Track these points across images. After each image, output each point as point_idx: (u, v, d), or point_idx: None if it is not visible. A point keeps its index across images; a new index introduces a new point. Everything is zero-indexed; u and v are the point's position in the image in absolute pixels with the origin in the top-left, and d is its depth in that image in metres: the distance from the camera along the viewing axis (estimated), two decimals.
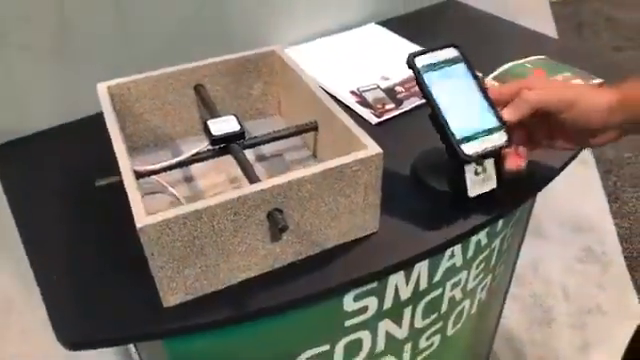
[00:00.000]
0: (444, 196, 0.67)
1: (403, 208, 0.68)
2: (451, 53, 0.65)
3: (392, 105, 0.85)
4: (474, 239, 0.81)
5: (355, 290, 0.68)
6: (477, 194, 0.64)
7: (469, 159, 0.60)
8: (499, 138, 0.61)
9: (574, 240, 1.89)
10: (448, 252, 0.78)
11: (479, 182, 0.63)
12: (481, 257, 0.88)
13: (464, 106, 0.63)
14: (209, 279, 0.56)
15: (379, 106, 0.85)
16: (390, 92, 0.88)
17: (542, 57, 0.93)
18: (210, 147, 0.65)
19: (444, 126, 0.61)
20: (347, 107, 0.86)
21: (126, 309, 0.56)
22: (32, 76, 0.79)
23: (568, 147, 0.65)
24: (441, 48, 0.65)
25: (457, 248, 0.79)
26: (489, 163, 0.63)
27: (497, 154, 0.63)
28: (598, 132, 0.61)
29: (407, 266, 0.68)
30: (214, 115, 0.70)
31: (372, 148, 0.58)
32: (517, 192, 0.70)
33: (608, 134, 0.61)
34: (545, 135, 0.64)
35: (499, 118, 0.62)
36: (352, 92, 0.88)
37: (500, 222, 0.87)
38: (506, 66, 0.90)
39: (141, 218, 0.50)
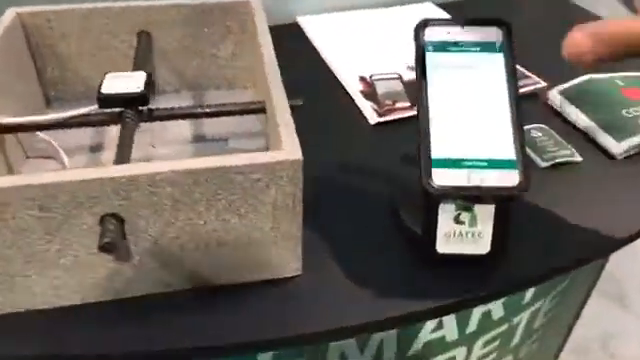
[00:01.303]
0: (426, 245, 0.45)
1: (362, 251, 0.46)
2: (490, 35, 0.42)
3: (406, 104, 0.62)
4: (477, 310, 0.57)
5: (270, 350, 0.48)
6: (451, 252, 0.41)
7: (433, 192, 0.38)
8: (508, 178, 0.38)
9: None
10: (431, 323, 0.55)
11: (459, 236, 0.40)
12: (493, 333, 0.63)
13: (471, 116, 0.40)
14: (17, 293, 0.39)
15: (388, 102, 0.63)
16: (412, 87, 0.66)
17: None
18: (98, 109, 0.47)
19: (420, 133, 0.39)
20: (348, 96, 0.65)
21: None
22: None
23: None
24: (479, 23, 0.42)
25: (448, 319, 0.56)
26: (483, 212, 0.40)
27: (500, 202, 0.39)
28: None
29: (337, 337, 0.46)
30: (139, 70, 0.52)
31: (289, 151, 0.37)
32: (547, 259, 0.46)
33: None
34: None
35: (519, 149, 0.39)
36: (361, 78, 0.67)
37: (529, 293, 0.62)
38: (584, 78, 0.64)
39: None
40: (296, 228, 0.40)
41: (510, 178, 0.38)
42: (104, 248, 0.34)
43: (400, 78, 0.67)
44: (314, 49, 0.74)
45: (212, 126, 0.57)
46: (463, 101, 0.41)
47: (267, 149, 0.54)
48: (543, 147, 0.56)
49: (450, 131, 0.40)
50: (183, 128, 0.57)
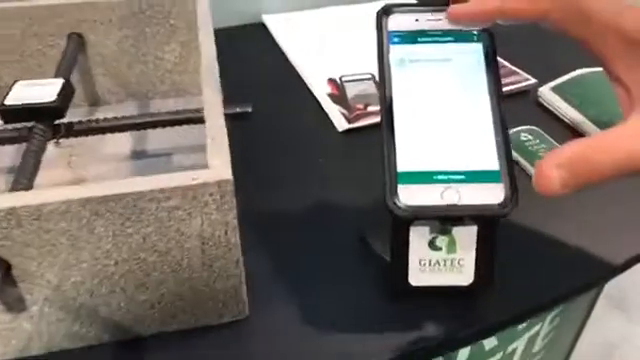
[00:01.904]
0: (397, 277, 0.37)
1: (322, 286, 0.39)
2: None
3: (379, 107, 0.55)
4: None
5: None
6: (426, 285, 0.34)
7: (399, 213, 0.31)
8: (491, 193, 0.31)
9: None
10: None
11: (435, 264, 0.33)
12: None
13: (446, 119, 0.33)
14: None
15: (359, 106, 0.55)
16: None
17: None
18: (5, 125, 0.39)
19: (383, 141, 0.32)
20: (314, 100, 0.58)
21: None
22: None
23: None
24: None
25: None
26: (463, 236, 0.33)
27: (483, 222, 0.32)
28: None
29: None
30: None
31: (216, 170, 0.29)
32: (542, 287, 0.38)
33: None
34: None
35: (504, 158, 0.32)
36: (330, 80, 0.60)
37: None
38: (578, 72, 0.57)
39: None
40: (234, 264, 0.33)
41: (494, 193, 0.31)
42: None
43: (373, 79, 0.60)
44: (280, 50, 0.67)
45: (155, 139, 0.50)
46: (435, 101, 0.34)
47: None
48: (534, 152, 0.49)
49: (420, 138, 0.33)
50: (121, 142, 0.49)
